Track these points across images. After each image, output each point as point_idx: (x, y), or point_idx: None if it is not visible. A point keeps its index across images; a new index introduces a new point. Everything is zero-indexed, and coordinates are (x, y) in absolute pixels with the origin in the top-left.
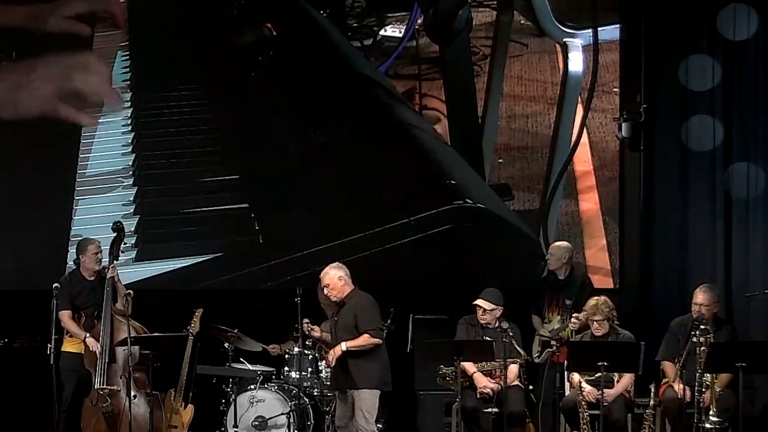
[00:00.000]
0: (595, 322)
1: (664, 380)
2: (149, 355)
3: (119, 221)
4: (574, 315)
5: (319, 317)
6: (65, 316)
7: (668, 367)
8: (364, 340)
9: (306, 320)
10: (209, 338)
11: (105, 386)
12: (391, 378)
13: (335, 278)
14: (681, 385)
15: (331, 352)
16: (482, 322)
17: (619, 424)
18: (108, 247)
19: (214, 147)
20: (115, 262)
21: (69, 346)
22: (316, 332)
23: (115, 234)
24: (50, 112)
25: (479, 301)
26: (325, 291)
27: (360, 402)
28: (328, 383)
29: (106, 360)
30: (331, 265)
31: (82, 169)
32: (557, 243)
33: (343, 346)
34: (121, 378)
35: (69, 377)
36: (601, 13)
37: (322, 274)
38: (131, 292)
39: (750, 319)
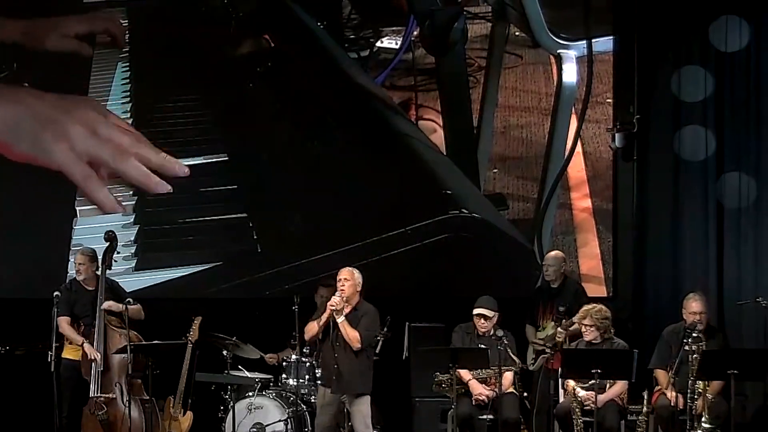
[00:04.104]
0: (583, 326)
1: (657, 387)
2: (147, 362)
3: (111, 231)
4: (560, 328)
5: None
6: (63, 322)
7: (661, 375)
8: (354, 335)
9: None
10: (208, 346)
11: (100, 394)
12: (388, 386)
13: (356, 282)
14: (674, 393)
15: (338, 300)
16: (483, 330)
17: (612, 431)
18: (101, 256)
19: (212, 157)
20: (108, 271)
21: (69, 354)
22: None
23: (107, 243)
24: (74, 174)
25: (481, 310)
26: (339, 284)
27: (359, 408)
28: (322, 382)
29: (101, 368)
30: (353, 268)
31: None
32: (553, 253)
33: (341, 318)
34: (115, 385)
35: (68, 385)
36: (594, 25)
37: (343, 269)
38: (131, 299)
39: (741, 327)
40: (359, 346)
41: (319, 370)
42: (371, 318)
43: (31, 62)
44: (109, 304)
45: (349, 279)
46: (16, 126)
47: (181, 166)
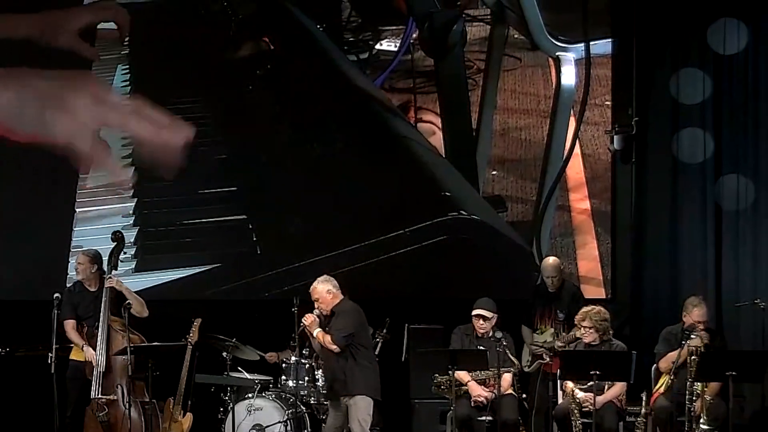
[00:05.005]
0: (582, 328)
1: (656, 389)
2: (148, 364)
3: (119, 231)
4: (558, 342)
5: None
6: (69, 325)
7: (670, 356)
8: (326, 339)
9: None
10: (208, 347)
11: (101, 395)
12: (387, 387)
13: (324, 292)
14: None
15: (307, 315)
16: (482, 331)
17: None
18: (107, 257)
19: (212, 159)
20: (114, 271)
21: (75, 355)
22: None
23: (114, 243)
24: (80, 145)
25: (480, 311)
26: (315, 305)
27: (355, 410)
28: (324, 392)
29: (102, 370)
30: (318, 279)
31: (83, 180)
32: (551, 261)
33: (316, 332)
34: (117, 387)
35: (74, 385)
36: (593, 28)
37: (311, 289)
38: (131, 302)
39: (739, 328)
40: (336, 348)
41: (319, 372)
42: (343, 317)
43: (31, 65)
44: (111, 281)
45: (319, 297)
46: (19, 108)
47: (187, 131)
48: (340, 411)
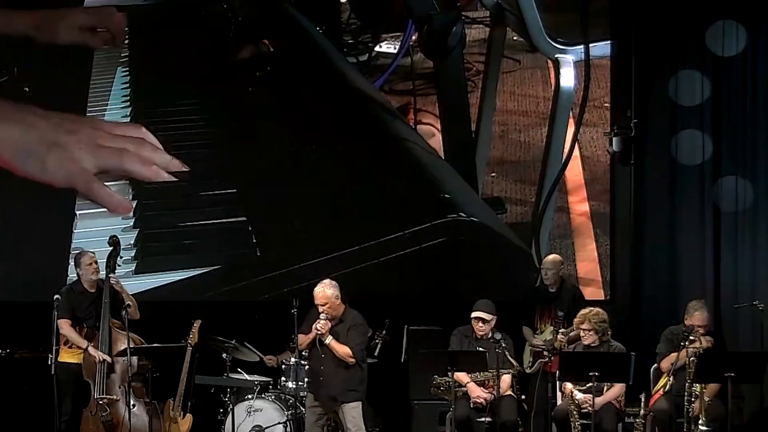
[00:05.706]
0: (581, 331)
1: (656, 389)
2: (148, 365)
3: (115, 235)
4: (561, 331)
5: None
6: (65, 324)
7: (672, 356)
8: (345, 351)
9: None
10: (208, 349)
11: (104, 395)
12: (386, 388)
13: (333, 297)
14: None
15: (323, 324)
16: (481, 333)
17: None
18: (104, 260)
19: (212, 161)
20: (112, 275)
21: (66, 357)
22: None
23: (111, 248)
24: (77, 185)
25: (480, 314)
26: (321, 309)
27: (350, 413)
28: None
29: (105, 370)
30: (324, 283)
31: None
32: (551, 257)
33: (328, 339)
34: (119, 388)
35: (67, 388)
36: (592, 30)
37: (318, 294)
38: (131, 303)
39: (738, 329)
40: (353, 361)
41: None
42: (360, 330)
43: (31, 67)
44: (114, 282)
45: (327, 302)
46: (22, 147)
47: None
48: (322, 410)
